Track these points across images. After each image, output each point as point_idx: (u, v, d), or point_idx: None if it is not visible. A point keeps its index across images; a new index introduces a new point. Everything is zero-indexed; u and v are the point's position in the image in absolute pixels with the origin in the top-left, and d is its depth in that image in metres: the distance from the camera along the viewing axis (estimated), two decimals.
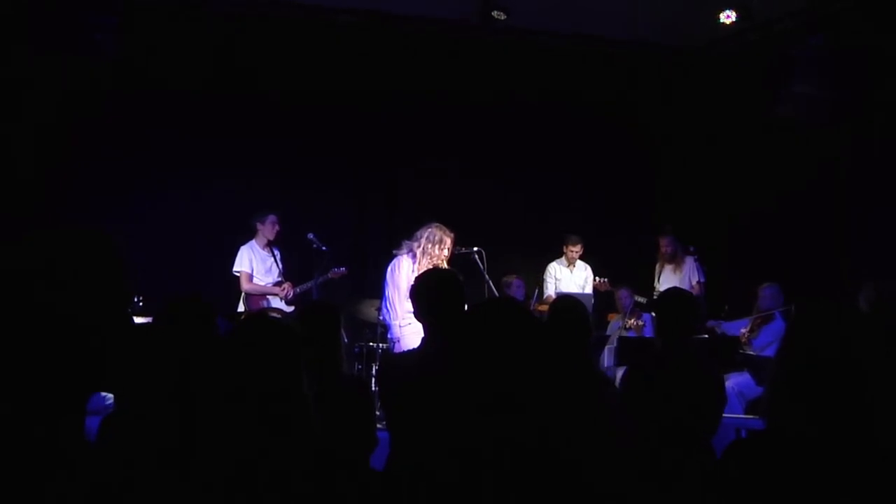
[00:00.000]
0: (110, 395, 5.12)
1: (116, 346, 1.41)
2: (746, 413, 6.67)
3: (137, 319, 6.47)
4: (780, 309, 7.20)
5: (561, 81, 9.00)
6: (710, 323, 7.51)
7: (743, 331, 7.33)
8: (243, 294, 7.54)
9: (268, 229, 7.53)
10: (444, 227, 6.16)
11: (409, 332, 5.78)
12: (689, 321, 3.94)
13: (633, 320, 7.96)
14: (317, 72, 8.52)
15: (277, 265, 7.60)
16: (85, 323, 1.37)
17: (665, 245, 8.33)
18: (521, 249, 8.93)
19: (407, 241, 6.21)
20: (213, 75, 8.27)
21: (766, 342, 7.06)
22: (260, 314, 2.72)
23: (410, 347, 5.42)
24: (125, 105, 8.03)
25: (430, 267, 5.93)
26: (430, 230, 6.13)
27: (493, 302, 2.53)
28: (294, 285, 7.60)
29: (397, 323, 6.01)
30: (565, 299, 4.33)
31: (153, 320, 2.98)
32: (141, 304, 6.51)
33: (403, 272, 6.07)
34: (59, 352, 1.36)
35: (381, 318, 6.54)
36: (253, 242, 7.58)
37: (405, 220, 7.28)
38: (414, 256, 6.10)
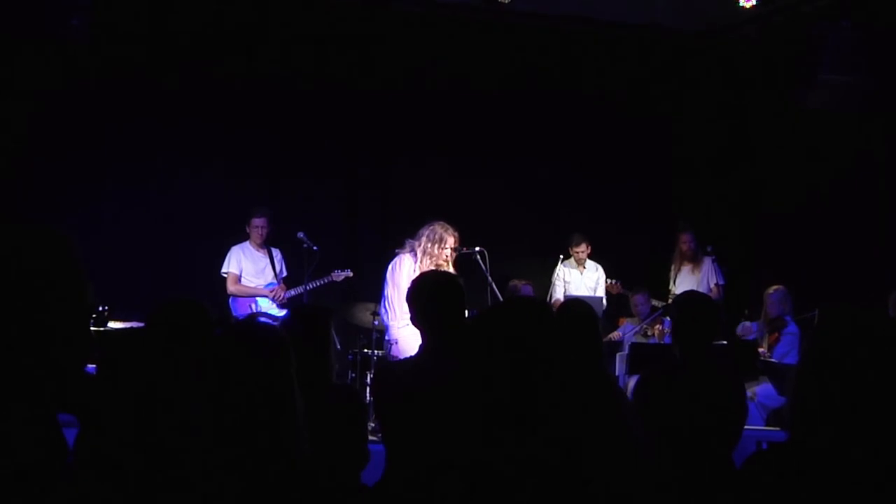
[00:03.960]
0: None
1: (75, 354, 1.37)
2: (768, 424, 6.68)
3: (114, 325, 6.50)
4: (789, 312, 7.22)
5: (570, 69, 8.98)
6: (741, 328, 7.50)
7: (761, 349, 7.33)
8: (230, 297, 7.55)
9: (254, 233, 7.55)
10: (447, 226, 6.22)
11: (407, 333, 5.78)
12: (708, 326, 3.93)
13: (658, 326, 7.93)
14: (308, 58, 8.50)
15: (274, 267, 7.61)
16: (37, 326, 1.33)
17: (686, 242, 8.24)
18: (525, 249, 8.91)
19: (410, 240, 6.29)
20: (195, 60, 8.24)
21: (784, 351, 7.07)
22: (247, 320, 2.72)
23: (408, 349, 5.47)
24: (101, 95, 8.00)
25: (432, 267, 5.97)
26: (430, 228, 6.21)
27: (510, 304, 2.52)
28: (288, 288, 7.60)
29: (396, 324, 6.08)
30: (572, 303, 4.34)
31: (145, 325, 2.96)
32: (106, 312, 6.50)
33: (405, 271, 6.13)
34: (12, 355, 1.33)
35: (379, 317, 6.62)
36: (246, 243, 7.63)
37: (401, 219, 7.29)
38: (415, 255, 6.16)
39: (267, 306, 7.55)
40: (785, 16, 8.11)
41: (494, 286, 6.73)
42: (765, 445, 5.45)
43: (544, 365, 1.93)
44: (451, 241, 6.20)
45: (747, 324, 7.53)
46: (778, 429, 6.29)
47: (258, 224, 7.53)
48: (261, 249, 7.62)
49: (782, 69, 8.10)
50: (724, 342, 7.24)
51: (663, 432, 3.53)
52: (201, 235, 7.84)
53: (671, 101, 9.29)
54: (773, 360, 7.07)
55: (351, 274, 7.66)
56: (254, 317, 7.10)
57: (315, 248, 7.31)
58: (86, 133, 8.06)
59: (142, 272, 7.93)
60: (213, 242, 7.68)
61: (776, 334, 7.25)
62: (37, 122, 7.78)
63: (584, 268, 8.62)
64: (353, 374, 7.17)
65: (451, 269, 6.13)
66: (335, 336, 3.60)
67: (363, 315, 7.41)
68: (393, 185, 9.03)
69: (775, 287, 7.35)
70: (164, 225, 8.17)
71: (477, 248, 6.61)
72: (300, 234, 7.36)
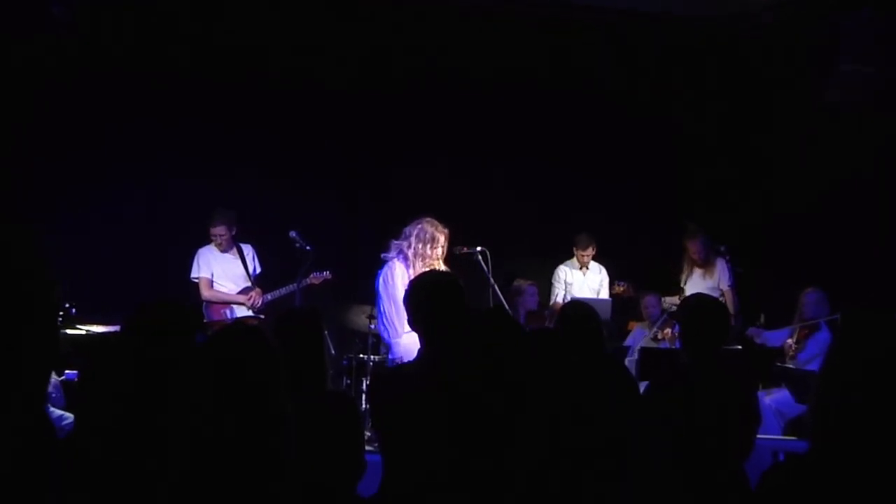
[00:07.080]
0: (67, 415, 5.11)
1: (40, 355, 1.35)
2: (785, 433, 6.64)
3: (97, 329, 6.47)
4: (825, 317, 7.14)
5: (572, 64, 8.93)
6: (751, 331, 7.42)
7: (789, 341, 7.26)
8: (204, 303, 7.46)
9: (215, 241, 7.41)
10: (435, 222, 6.00)
11: (410, 341, 5.57)
12: (717, 331, 3.91)
13: (667, 330, 7.89)
14: (307, 58, 8.47)
15: (247, 269, 7.52)
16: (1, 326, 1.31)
17: (696, 251, 8.07)
18: (526, 250, 8.88)
19: (395, 242, 6.04)
20: (186, 55, 8.21)
21: (811, 355, 7.01)
22: (235, 325, 2.66)
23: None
24: (88, 91, 7.96)
25: (426, 270, 5.83)
26: (419, 227, 5.97)
27: (488, 313, 2.51)
28: (264, 292, 7.51)
29: (399, 341, 5.78)
30: (575, 305, 4.31)
31: (121, 329, 2.93)
32: (74, 311, 6.45)
33: (398, 280, 5.89)
34: None
35: (380, 335, 6.29)
36: (212, 245, 7.51)
37: (401, 219, 7.24)
38: (406, 259, 5.94)
39: (243, 312, 7.45)
40: (800, 4, 8.05)
41: (496, 287, 6.69)
42: (781, 456, 5.42)
43: (536, 371, 1.91)
44: (442, 238, 5.96)
45: (753, 329, 7.48)
46: (795, 438, 6.26)
47: (216, 233, 7.38)
48: (230, 251, 7.51)
49: (798, 60, 8.05)
50: (739, 347, 7.21)
51: (672, 442, 3.51)
52: (201, 236, 7.78)
53: (679, 95, 9.24)
54: (798, 360, 7.04)
55: (329, 276, 7.56)
56: (242, 321, 7.04)
57: (308, 247, 7.23)
58: (85, 133, 8.02)
59: (141, 272, 7.90)
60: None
61: (805, 331, 7.21)
62: (35, 122, 7.75)
63: (588, 269, 8.52)
64: (349, 380, 7.13)
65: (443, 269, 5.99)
66: (329, 340, 3.58)
67: (359, 318, 7.35)
68: (393, 185, 9.00)
69: (812, 288, 7.27)
70: (163, 225, 8.16)
71: (478, 248, 6.56)
72: (292, 234, 7.27)
